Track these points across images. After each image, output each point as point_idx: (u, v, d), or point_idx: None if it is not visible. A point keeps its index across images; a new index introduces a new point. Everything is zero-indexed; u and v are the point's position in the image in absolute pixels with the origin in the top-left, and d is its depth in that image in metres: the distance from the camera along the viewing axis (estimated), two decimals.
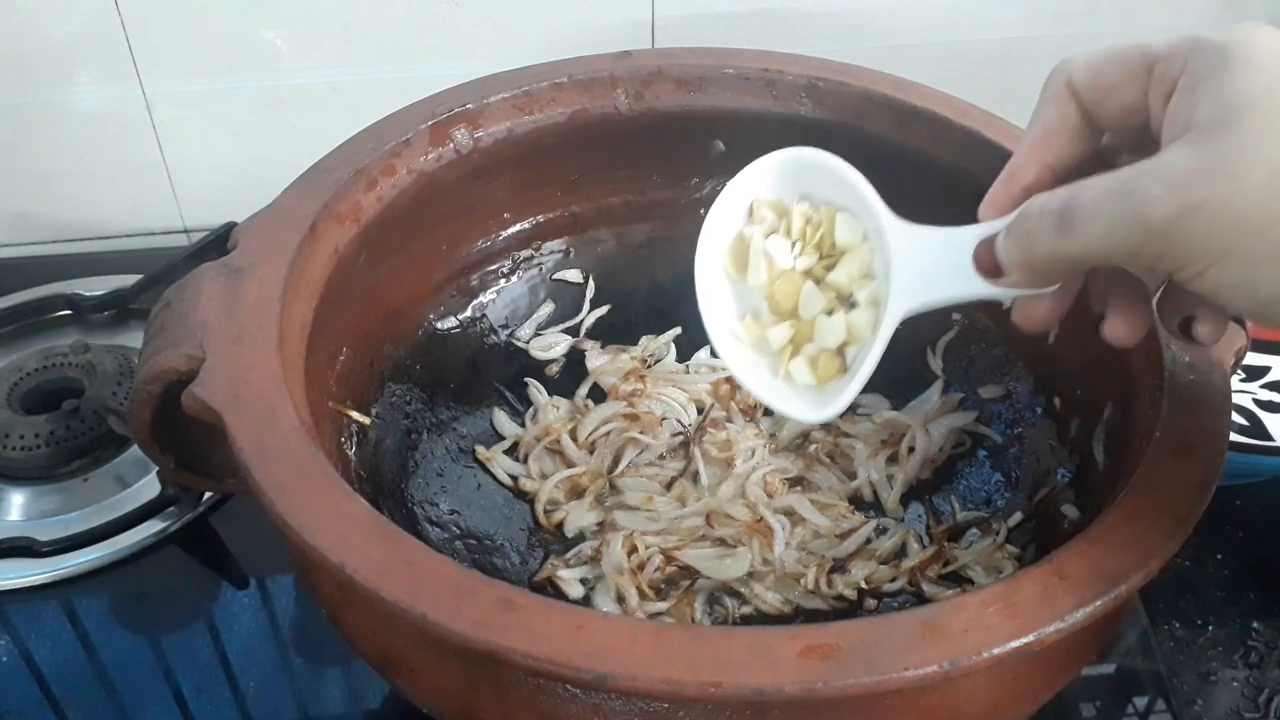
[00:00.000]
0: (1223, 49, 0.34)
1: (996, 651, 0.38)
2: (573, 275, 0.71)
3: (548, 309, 0.70)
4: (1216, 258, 0.33)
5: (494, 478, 0.64)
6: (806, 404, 0.48)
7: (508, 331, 0.69)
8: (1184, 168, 0.33)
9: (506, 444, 0.65)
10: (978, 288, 0.41)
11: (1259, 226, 0.32)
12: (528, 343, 0.69)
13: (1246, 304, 0.35)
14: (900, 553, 0.60)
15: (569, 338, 0.70)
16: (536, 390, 0.68)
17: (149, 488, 0.66)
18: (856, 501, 0.63)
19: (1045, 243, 0.37)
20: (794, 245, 0.47)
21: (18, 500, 0.67)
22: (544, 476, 0.63)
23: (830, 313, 0.46)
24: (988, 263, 0.40)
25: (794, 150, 0.47)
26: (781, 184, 0.47)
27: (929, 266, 0.43)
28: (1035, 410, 0.62)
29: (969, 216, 0.43)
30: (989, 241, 0.40)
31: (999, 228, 0.40)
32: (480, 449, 0.64)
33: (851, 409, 0.67)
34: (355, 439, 0.58)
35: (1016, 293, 0.41)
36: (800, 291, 0.47)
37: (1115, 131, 0.40)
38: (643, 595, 0.57)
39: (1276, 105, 0.32)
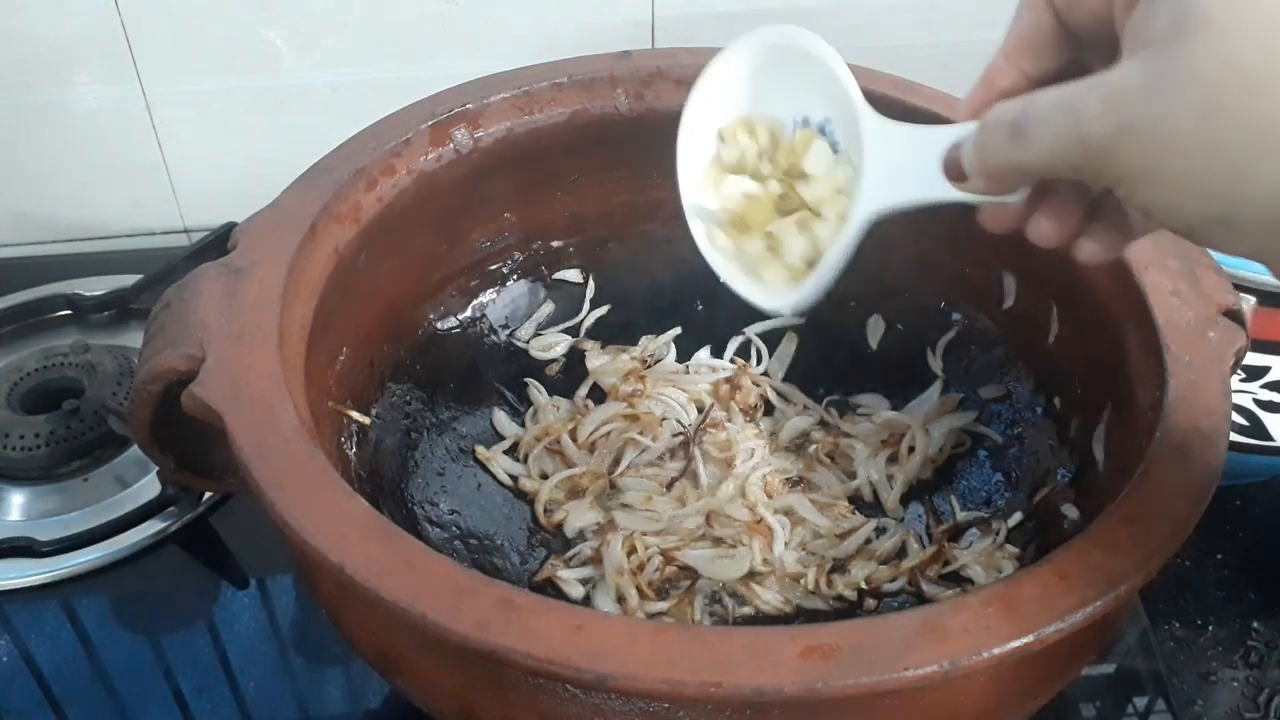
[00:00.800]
0: None
1: (996, 651, 0.38)
2: (573, 275, 0.71)
3: (548, 309, 0.70)
4: (1144, 178, 0.33)
5: (494, 478, 0.64)
6: (780, 296, 0.48)
7: (508, 331, 0.69)
8: (1124, 85, 0.33)
9: (506, 444, 0.65)
10: (945, 191, 0.41)
11: (1185, 149, 0.32)
12: (528, 343, 0.69)
13: (1175, 224, 0.34)
14: (900, 553, 0.60)
15: (569, 338, 0.70)
16: (536, 390, 0.68)
17: (149, 488, 0.67)
18: (856, 501, 0.63)
19: (999, 152, 0.37)
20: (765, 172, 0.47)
21: (18, 500, 0.67)
22: (544, 476, 0.63)
23: (802, 226, 0.47)
24: (954, 167, 0.40)
25: (771, 34, 0.46)
26: (757, 82, 0.46)
27: (901, 166, 0.43)
28: (1035, 410, 0.62)
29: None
30: (958, 146, 0.40)
31: (971, 131, 0.40)
32: (480, 449, 0.64)
33: (851, 409, 0.67)
34: (355, 439, 0.58)
35: (984, 198, 0.41)
36: (770, 215, 0.47)
37: (1089, 40, 0.39)
38: (643, 595, 0.57)
39: (1225, 22, 0.31)
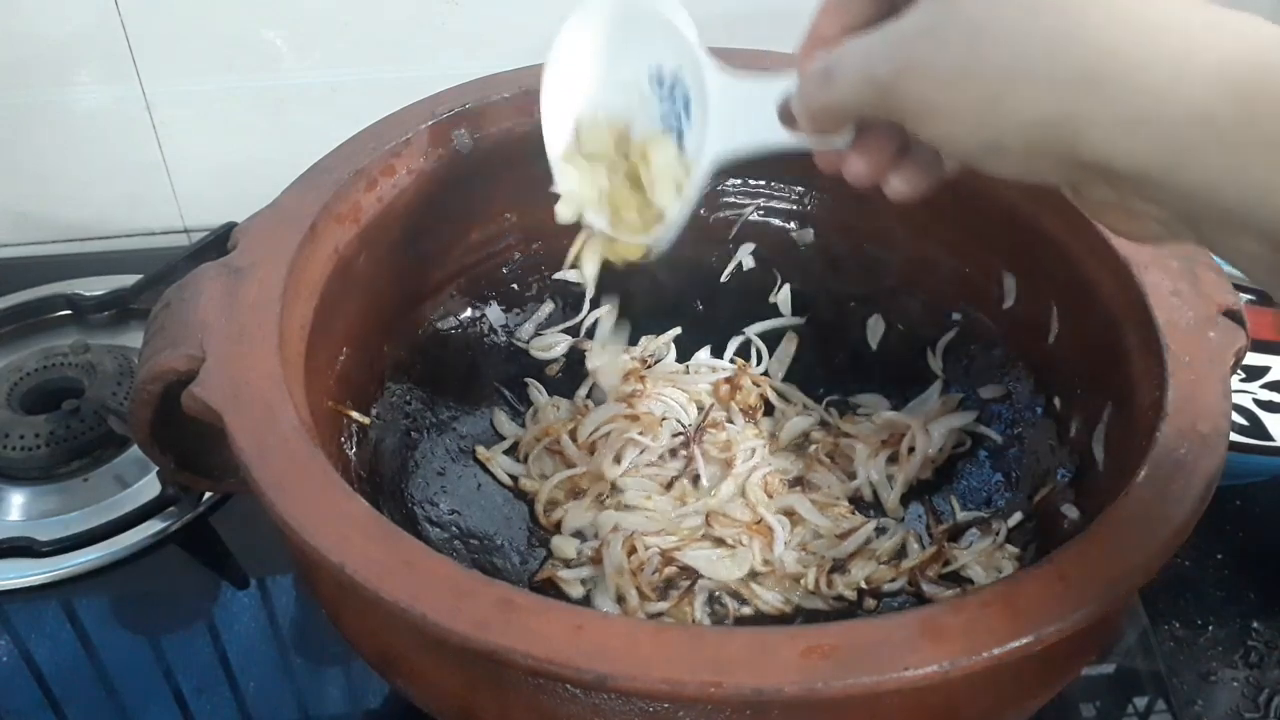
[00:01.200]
0: None
1: (996, 651, 0.38)
2: (573, 275, 0.70)
3: (548, 309, 0.70)
4: (923, 112, 0.36)
5: (494, 478, 0.64)
6: (643, 236, 0.52)
7: (508, 331, 0.69)
8: (906, 30, 0.36)
9: (506, 444, 0.65)
10: (781, 137, 0.44)
11: (952, 83, 0.35)
12: (528, 343, 0.69)
13: (956, 152, 0.37)
14: (900, 553, 0.60)
15: (569, 338, 0.70)
16: (536, 390, 0.68)
17: (149, 488, 0.66)
18: (856, 501, 0.63)
19: (816, 96, 0.41)
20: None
21: (18, 500, 0.67)
22: (544, 476, 0.63)
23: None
24: (786, 114, 0.43)
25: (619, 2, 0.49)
26: (611, 39, 0.50)
27: (742, 115, 0.46)
28: (1035, 410, 0.62)
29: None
30: (790, 95, 0.43)
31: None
32: (480, 449, 0.64)
33: (851, 409, 0.67)
34: (355, 439, 0.58)
35: (814, 142, 0.43)
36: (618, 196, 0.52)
37: None
38: (643, 596, 0.57)
39: None
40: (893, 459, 0.64)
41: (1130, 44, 0.32)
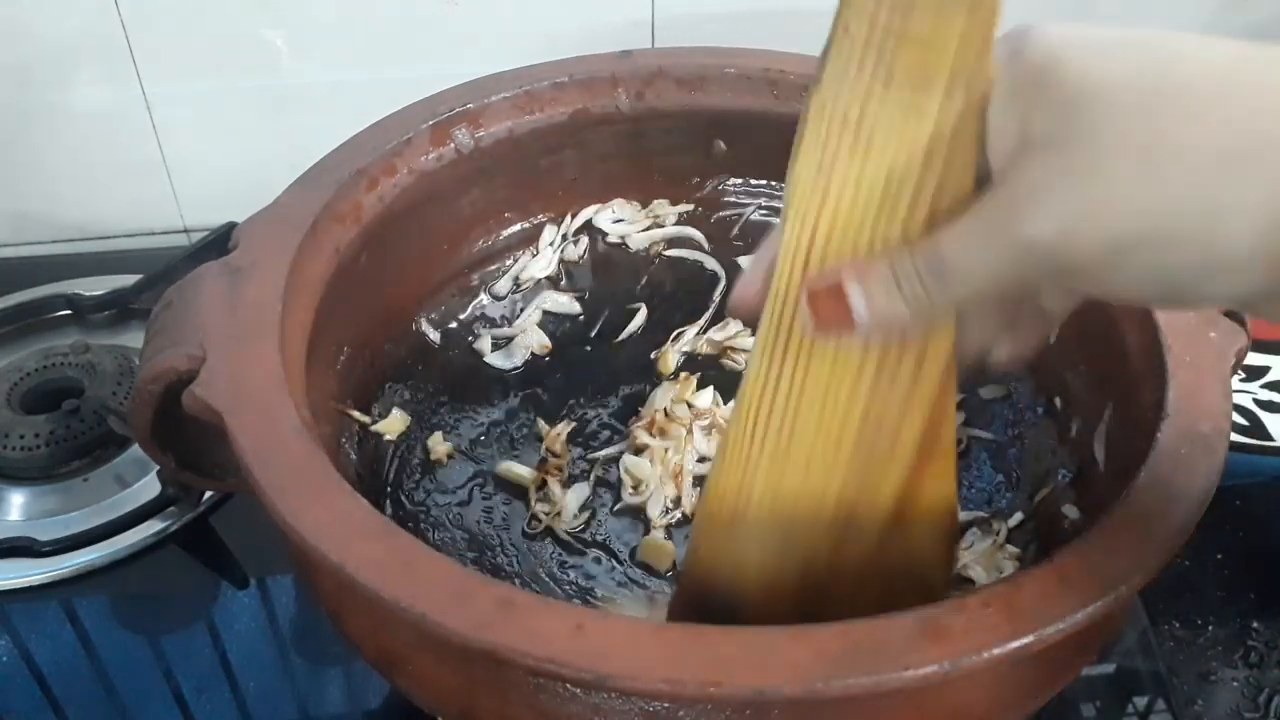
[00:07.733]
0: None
1: (996, 651, 0.38)
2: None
3: (548, 309, 0.70)
4: (1111, 262, 0.32)
5: (494, 478, 0.64)
6: None
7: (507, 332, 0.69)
8: (1046, 182, 0.32)
9: (506, 444, 0.65)
10: None
11: (1155, 211, 0.31)
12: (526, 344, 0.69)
13: (1158, 293, 0.34)
14: None
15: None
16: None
17: (149, 488, 0.66)
18: None
19: (926, 299, 0.36)
20: None
21: (18, 500, 0.67)
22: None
23: None
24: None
25: None
26: None
27: None
28: (1035, 410, 0.62)
29: None
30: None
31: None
32: (481, 450, 0.64)
33: None
34: (355, 439, 0.58)
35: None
36: None
37: None
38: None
39: (1116, 88, 0.32)
40: None
41: None
